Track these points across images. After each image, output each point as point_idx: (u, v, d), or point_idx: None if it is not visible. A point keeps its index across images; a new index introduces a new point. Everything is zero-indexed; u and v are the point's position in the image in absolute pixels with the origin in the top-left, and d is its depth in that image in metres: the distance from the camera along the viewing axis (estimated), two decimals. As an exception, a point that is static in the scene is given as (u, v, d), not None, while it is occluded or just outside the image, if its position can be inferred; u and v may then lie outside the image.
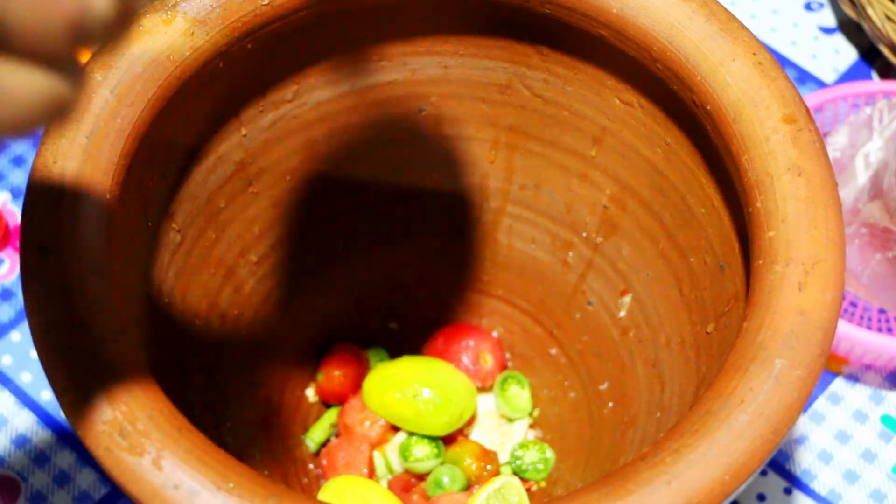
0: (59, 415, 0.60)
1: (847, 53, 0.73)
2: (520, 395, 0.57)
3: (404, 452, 0.55)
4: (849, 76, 0.72)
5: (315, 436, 0.57)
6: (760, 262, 0.39)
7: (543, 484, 0.56)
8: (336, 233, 0.56)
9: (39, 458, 0.59)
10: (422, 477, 0.56)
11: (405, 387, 0.55)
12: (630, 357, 0.54)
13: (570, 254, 0.56)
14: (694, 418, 0.36)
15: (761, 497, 0.59)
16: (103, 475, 0.59)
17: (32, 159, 0.56)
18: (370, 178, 0.55)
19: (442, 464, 0.55)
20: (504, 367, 0.59)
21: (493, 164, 0.55)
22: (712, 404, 0.36)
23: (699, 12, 0.43)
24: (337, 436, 0.57)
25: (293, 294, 0.56)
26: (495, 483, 0.53)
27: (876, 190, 0.60)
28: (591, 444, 0.55)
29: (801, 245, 0.39)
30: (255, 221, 0.52)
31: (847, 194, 0.61)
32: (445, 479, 0.54)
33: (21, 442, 0.60)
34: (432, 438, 0.56)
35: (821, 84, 0.72)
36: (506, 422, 0.58)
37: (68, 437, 0.60)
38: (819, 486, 0.59)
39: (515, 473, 0.56)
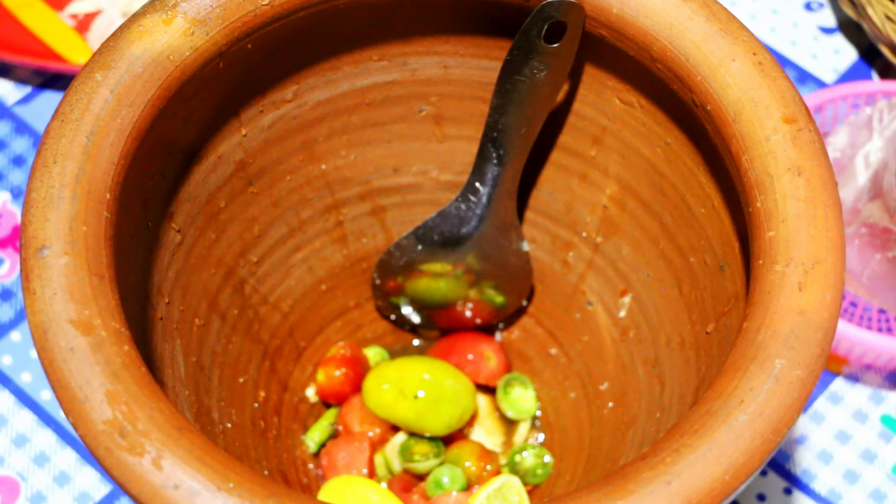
0: (59, 415, 0.60)
1: (847, 53, 0.73)
2: (524, 396, 0.57)
3: (404, 452, 0.55)
4: (849, 76, 0.72)
5: (315, 436, 0.57)
6: (760, 262, 0.39)
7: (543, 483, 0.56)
8: (335, 232, 0.56)
9: (39, 458, 0.59)
10: (422, 477, 0.56)
11: (405, 387, 0.55)
12: (630, 357, 0.54)
13: (570, 254, 0.56)
14: (694, 418, 0.36)
15: (761, 497, 0.59)
16: (103, 475, 0.59)
17: (32, 159, 0.56)
18: (370, 179, 0.55)
19: (442, 464, 0.55)
20: (508, 368, 0.59)
21: (493, 164, 0.55)
22: (712, 404, 0.36)
23: (699, 12, 0.43)
24: (337, 436, 0.57)
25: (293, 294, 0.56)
26: (495, 483, 0.53)
27: (876, 190, 0.60)
28: (591, 445, 0.55)
29: (801, 245, 0.39)
30: (255, 221, 0.52)
31: (847, 194, 0.61)
32: (445, 479, 0.54)
33: (21, 442, 0.60)
34: (432, 438, 0.56)
35: (821, 84, 0.72)
36: (506, 422, 0.58)
37: (68, 437, 0.60)
38: (819, 486, 0.59)
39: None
